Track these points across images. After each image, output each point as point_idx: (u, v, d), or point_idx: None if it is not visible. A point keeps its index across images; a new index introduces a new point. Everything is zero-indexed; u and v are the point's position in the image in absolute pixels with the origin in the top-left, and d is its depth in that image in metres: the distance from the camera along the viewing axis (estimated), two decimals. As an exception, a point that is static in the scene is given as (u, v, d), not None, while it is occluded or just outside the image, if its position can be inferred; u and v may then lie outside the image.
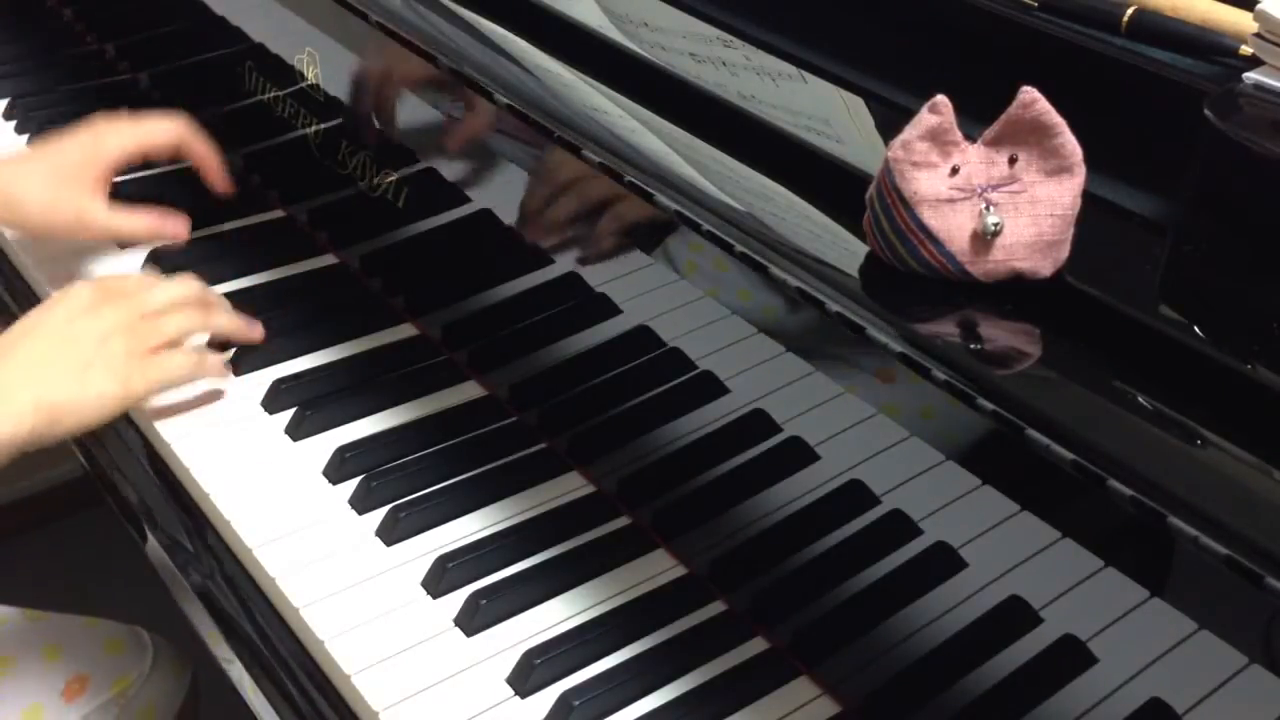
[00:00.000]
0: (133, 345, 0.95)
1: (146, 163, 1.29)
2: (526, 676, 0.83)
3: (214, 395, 1.03)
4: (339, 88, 1.14)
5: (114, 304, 0.96)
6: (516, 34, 0.97)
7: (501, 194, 1.01)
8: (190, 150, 1.15)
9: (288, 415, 1.01)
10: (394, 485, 0.95)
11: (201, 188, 1.23)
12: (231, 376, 1.05)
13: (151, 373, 0.96)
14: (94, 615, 1.10)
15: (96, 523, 1.22)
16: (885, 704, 0.80)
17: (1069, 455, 0.62)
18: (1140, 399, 0.63)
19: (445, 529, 0.93)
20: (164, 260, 1.16)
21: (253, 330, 1.05)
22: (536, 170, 0.96)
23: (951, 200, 0.67)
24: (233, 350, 1.06)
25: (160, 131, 1.14)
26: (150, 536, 0.98)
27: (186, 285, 1.02)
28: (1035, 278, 0.68)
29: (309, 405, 1.01)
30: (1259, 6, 0.66)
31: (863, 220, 0.71)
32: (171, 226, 1.13)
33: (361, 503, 0.94)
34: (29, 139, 1.33)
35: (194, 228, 1.20)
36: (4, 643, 1.02)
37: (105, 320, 0.95)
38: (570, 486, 0.97)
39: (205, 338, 1.05)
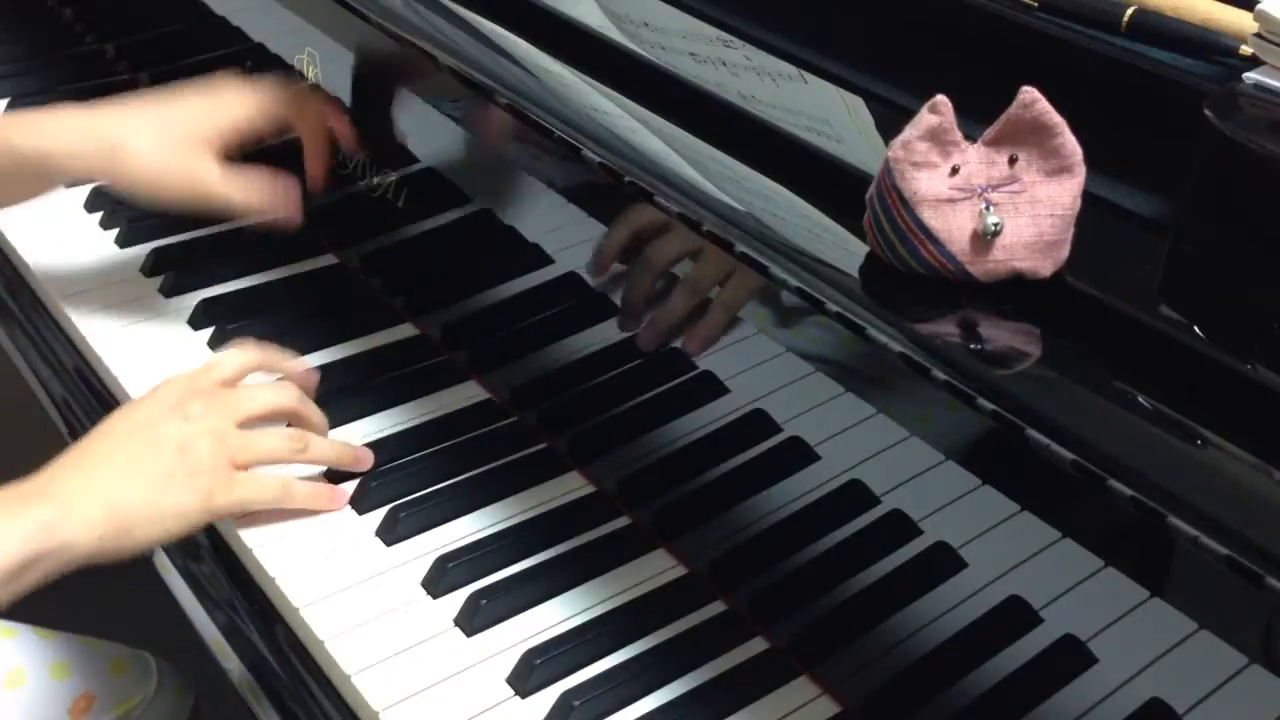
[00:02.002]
0: (219, 456, 0.87)
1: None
2: (526, 676, 0.83)
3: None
4: (339, 88, 1.14)
5: (205, 403, 0.89)
6: (517, 34, 0.97)
7: (501, 194, 1.01)
8: (318, 120, 1.07)
9: (288, 415, 1.01)
10: (394, 485, 0.95)
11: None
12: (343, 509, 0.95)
13: (238, 492, 0.88)
14: (99, 633, 1.10)
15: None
16: (885, 704, 0.80)
17: (1069, 455, 0.62)
18: (1140, 399, 0.63)
19: (445, 529, 0.93)
20: (167, 263, 1.16)
21: (360, 460, 0.96)
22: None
23: (951, 200, 0.67)
24: (328, 484, 0.95)
25: (281, 103, 1.06)
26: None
27: (284, 392, 0.94)
28: (1035, 278, 0.68)
29: (309, 405, 1.01)
30: (1259, 6, 0.66)
31: (863, 220, 0.71)
32: (287, 205, 1.04)
33: (361, 503, 0.94)
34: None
35: (194, 227, 1.21)
36: (14, 658, 1.02)
37: (193, 424, 0.88)
38: (570, 486, 0.97)
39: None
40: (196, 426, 0.88)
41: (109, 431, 0.88)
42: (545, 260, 0.98)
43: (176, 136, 1.01)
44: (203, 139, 1.01)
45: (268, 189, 1.04)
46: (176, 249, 1.18)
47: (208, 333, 1.09)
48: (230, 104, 1.04)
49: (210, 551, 0.95)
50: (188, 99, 1.03)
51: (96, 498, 0.84)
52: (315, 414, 0.96)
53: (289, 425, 0.94)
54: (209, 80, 1.07)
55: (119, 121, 1.02)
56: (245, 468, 0.90)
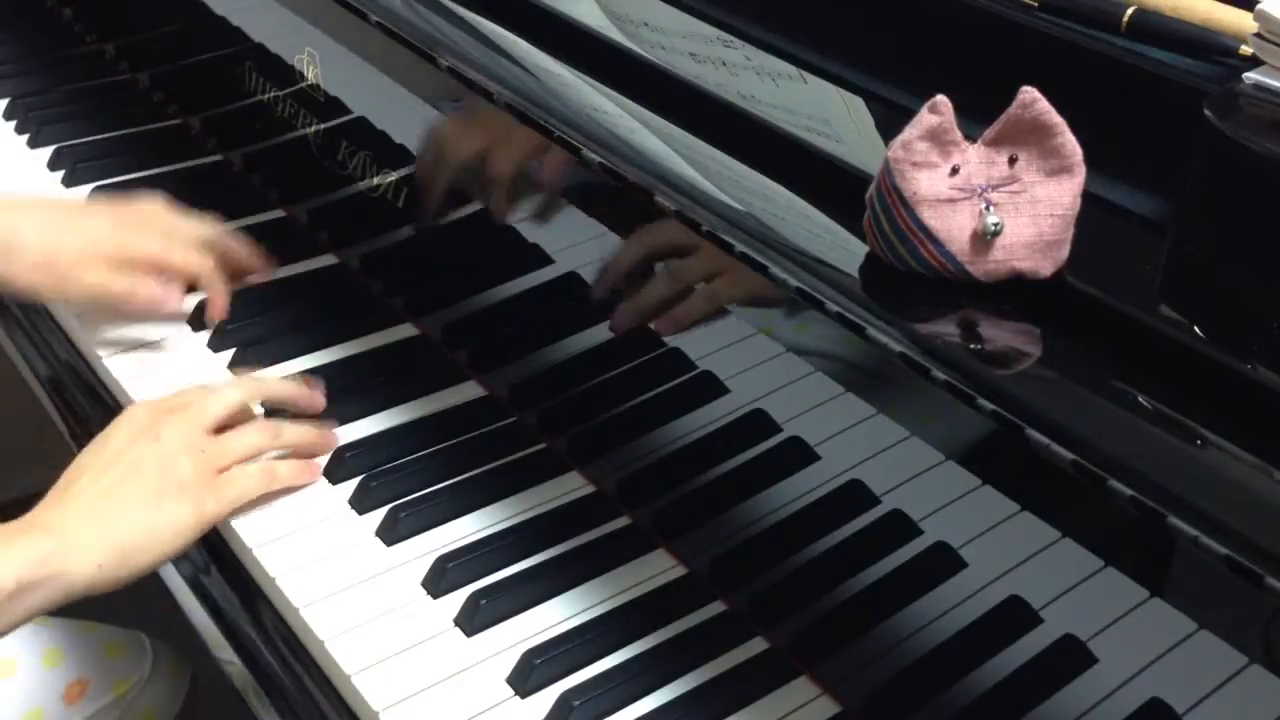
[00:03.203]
0: (200, 466, 0.89)
1: (142, 164, 1.29)
2: (526, 676, 0.83)
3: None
4: (339, 88, 1.14)
5: (173, 420, 0.91)
6: (517, 34, 0.97)
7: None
8: (207, 285, 1.07)
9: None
10: (394, 485, 0.95)
11: (203, 187, 1.24)
12: (320, 481, 0.96)
13: (226, 493, 0.90)
14: (93, 618, 1.10)
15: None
16: (885, 704, 0.80)
17: (1069, 455, 0.62)
18: (1140, 399, 0.63)
19: (445, 529, 0.93)
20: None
21: (325, 439, 0.97)
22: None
23: (951, 200, 0.67)
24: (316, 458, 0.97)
25: (187, 262, 1.05)
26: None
27: (244, 386, 0.97)
28: (1035, 278, 0.68)
29: (309, 405, 1.01)
30: (1259, 6, 0.66)
31: (863, 220, 0.71)
32: (167, 301, 1.04)
33: (361, 503, 0.94)
34: (28, 139, 1.33)
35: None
36: (5, 646, 1.02)
37: (167, 442, 0.89)
38: (570, 486, 0.97)
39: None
40: (170, 445, 0.89)
41: (87, 464, 0.89)
42: (545, 260, 0.98)
43: (66, 250, 0.99)
44: (92, 258, 0.99)
45: (147, 291, 1.03)
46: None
47: (207, 334, 1.09)
48: (137, 238, 1.01)
49: (209, 552, 0.95)
50: (94, 218, 1.01)
51: (92, 527, 0.85)
52: (281, 389, 0.99)
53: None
54: (133, 202, 1.05)
55: (8, 223, 1.00)
56: (227, 469, 0.91)
